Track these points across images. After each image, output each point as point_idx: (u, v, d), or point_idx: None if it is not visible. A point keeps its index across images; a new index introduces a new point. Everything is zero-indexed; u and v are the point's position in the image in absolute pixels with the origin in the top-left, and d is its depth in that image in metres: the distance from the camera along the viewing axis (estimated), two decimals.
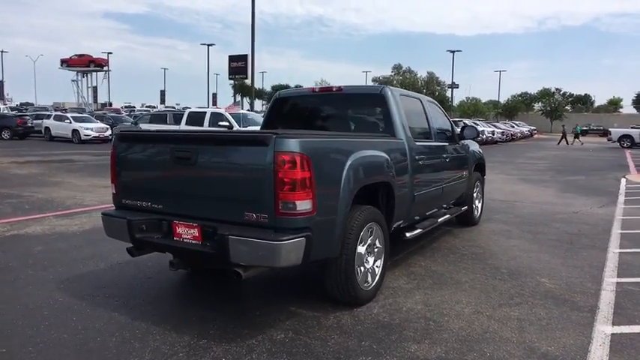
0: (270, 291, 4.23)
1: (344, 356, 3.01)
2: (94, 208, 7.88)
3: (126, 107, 52.10)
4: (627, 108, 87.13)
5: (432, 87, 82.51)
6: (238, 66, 42.86)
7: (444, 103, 79.74)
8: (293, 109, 5.38)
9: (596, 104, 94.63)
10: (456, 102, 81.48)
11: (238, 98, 72.43)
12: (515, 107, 72.01)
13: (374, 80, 79.88)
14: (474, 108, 68.14)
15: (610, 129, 35.12)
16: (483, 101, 76.20)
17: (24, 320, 3.52)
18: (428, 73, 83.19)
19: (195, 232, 3.40)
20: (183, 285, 4.46)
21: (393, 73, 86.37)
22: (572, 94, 77.66)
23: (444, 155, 5.45)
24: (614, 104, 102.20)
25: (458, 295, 4.08)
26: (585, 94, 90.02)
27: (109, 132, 24.64)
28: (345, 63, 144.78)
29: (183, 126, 14.24)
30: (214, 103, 49.74)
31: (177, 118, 17.35)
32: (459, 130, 6.22)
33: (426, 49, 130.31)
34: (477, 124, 35.13)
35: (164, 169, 3.59)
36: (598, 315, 3.68)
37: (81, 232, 6.28)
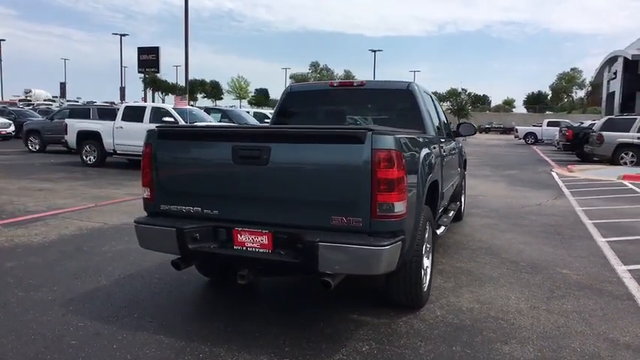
0: (310, 299, 3.94)
1: None
2: (45, 214, 6.95)
3: (21, 101, 46.89)
4: (520, 108, 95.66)
5: None
6: (148, 59, 40.71)
7: None
8: (307, 104, 5.08)
9: (493, 104, 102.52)
10: None
11: (152, 93, 68.74)
12: None
13: (292, 77, 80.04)
14: None
15: (517, 127, 38.16)
16: None
17: (53, 354, 2.94)
18: (345, 71, 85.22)
19: (264, 239, 3.05)
20: (211, 297, 4.03)
21: (310, 71, 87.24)
22: (475, 95, 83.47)
23: (453, 151, 5.50)
24: (509, 104, 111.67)
25: (502, 291, 4.10)
26: (484, 95, 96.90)
27: (12, 128, 22.09)
28: (258, 59, 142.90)
29: (119, 122, 13.09)
30: (122, 98, 46.65)
31: (102, 113, 15.94)
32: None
33: (338, 48, 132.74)
34: None
35: (222, 170, 3.17)
36: (639, 302, 3.89)
37: (49, 243, 5.48)
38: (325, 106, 4.99)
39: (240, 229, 3.10)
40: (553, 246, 5.66)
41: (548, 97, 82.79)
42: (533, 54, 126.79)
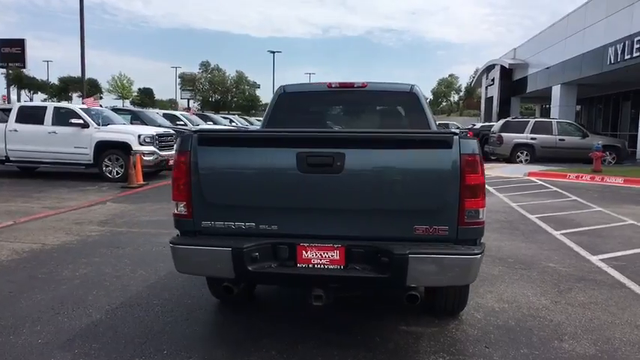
0: (343, 312, 3.71)
1: None
2: None
3: None
4: None
5: (242, 86, 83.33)
6: (12, 52, 36.30)
7: (255, 102, 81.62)
8: (303, 106, 4.79)
9: None
10: (267, 101, 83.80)
11: (18, 91, 61.29)
12: None
13: (181, 77, 76.60)
14: None
15: None
16: None
17: None
18: (237, 72, 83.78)
19: (334, 254, 2.78)
20: (235, 321, 3.60)
21: (200, 71, 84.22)
22: None
23: None
24: None
25: (516, 289, 4.24)
26: None
27: None
28: (138, 56, 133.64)
29: (12, 124, 11.35)
30: None
31: None
32: None
33: (225, 48, 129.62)
34: None
35: (284, 180, 2.81)
36: (633, 287, 4.28)
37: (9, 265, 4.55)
38: (323, 108, 4.77)
39: (306, 244, 2.79)
40: (522, 241, 6.04)
41: (428, 101, 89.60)
42: (410, 60, 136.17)
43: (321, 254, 2.79)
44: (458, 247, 2.70)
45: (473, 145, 2.71)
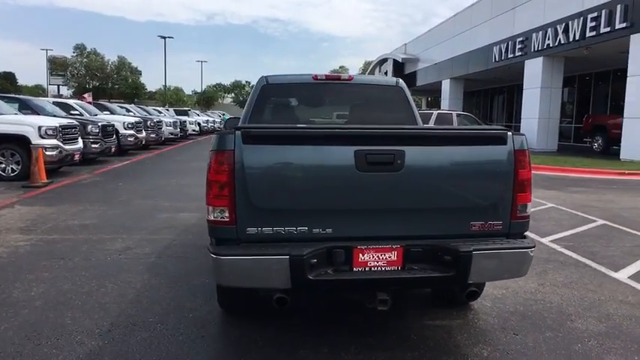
0: (359, 313, 3.61)
1: (580, 348, 3.03)
2: None
3: None
4: None
5: (124, 72, 77.42)
6: None
7: (140, 90, 76.40)
8: (287, 97, 4.55)
9: None
10: (151, 89, 79.00)
11: None
12: (212, 97, 75.26)
13: (51, 61, 68.83)
14: (176, 97, 67.74)
15: None
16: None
17: None
18: (119, 57, 77.65)
19: (392, 255, 2.67)
20: (260, 333, 3.31)
21: (75, 54, 76.46)
22: None
23: None
24: None
25: None
26: None
27: None
28: None
29: None
30: None
31: None
32: None
33: (99, 31, 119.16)
34: (199, 114, 35.46)
35: (340, 179, 2.62)
36: (594, 265, 4.77)
37: None
38: (308, 100, 4.57)
39: (363, 247, 2.65)
40: None
41: None
42: (296, 51, 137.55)
43: (378, 256, 2.66)
44: (513, 242, 2.75)
45: (523, 141, 2.77)
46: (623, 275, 4.51)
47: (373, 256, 2.66)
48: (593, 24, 14.95)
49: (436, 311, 3.57)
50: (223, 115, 42.92)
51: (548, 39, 17.49)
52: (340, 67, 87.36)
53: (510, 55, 20.39)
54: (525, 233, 2.89)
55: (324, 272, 2.61)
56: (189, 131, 28.19)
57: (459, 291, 2.82)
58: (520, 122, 20.80)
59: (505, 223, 2.77)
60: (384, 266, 2.67)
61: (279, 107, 4.52)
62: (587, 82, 22.74)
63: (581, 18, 15.53)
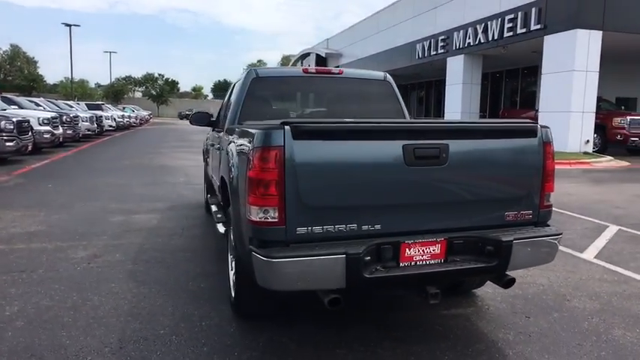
0: (374, 311, 3.62)
1: (588, 326, 3.24)
2: None
3: None
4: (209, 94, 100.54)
5: (18, 63, 70.39)
6: None
7: (38, 81, 69.89)
8: (278, 91, 4.38)
9: (182, 89, 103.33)
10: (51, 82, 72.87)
11: None
12: (121, 90, 70.82)
13: None
14: (81, 90, 62.82)
15: None
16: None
17: None
18: (12, 46, 70.42)
19: (436, 249, 2.69)
20: (287, 337, 3.17)
21: None
22: (167, 80, 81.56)
23: None
24: (197, 91, 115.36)
25: None
26: (172, 80, 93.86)
27: None
28: None
29: None
30: None
31: None
32: None
33: None
34: (110, 108, 33.28)
35: (389, 174, 2.58)
36: (562, 247, 5.16)
37: None
38: (299, 94, 4.45)
39: (410, 242, 2.63)
40: None
41: None
42: (208, 43, 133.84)
43: (423, 250, 2.67)
44: (544, 230, 2.89)
45: (549, 133, 2.91)
46: (589, 256, 4.93)
47: (418, 251, 2.66)
48: (511, 25, 16.15)
49: (445, 301, 3.65)
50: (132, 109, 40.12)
51: (469, 38, 18.61)
52: (258, 62, 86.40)
53: (433, 53, 21.43)
54: (548, 220, 3.05)
55: (375, 269, 2.57)
56: (106, 127, 26.37)
57: (495, 280, 2.91)
58: (443, 116, 21.95)
59: (535, 213, 2.90)
60: (428, 260, 2.68)
61: (270, 101, 4.36)
62: (498, 78, 24.55)
63: (499, 19, 16.70)
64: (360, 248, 2.46)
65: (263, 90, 4.25)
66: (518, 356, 2.88)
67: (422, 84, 32.23)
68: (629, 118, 14.50)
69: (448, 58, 20.15)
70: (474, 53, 19.03)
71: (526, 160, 2.84)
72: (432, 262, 2.69)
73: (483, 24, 17.58)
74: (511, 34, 16.21)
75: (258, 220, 2.48)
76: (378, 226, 2.61)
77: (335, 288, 2.51)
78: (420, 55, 22.54)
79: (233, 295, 3.39)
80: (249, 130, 2.67)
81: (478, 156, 2.75)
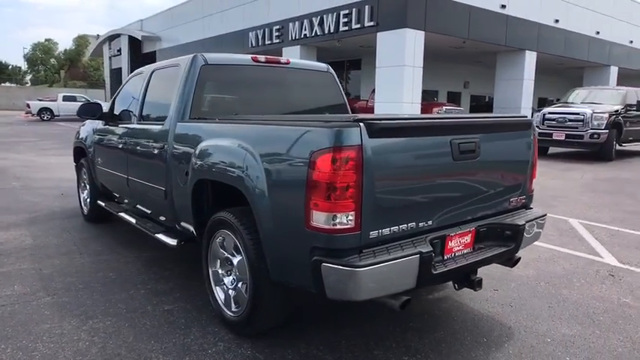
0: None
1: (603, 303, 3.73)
2: None
3: None
4: None
5: None
6: None
7: None
8: (228, 80, 3.88)
9: None
10: None
11: None
12: None
13: None
14: None
15: (28, 102, 34.18)
16: None
17: None
18: None
19: (467, 239, 2.82)
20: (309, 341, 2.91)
21: None
22: None
23: None
24: None
25: None
26: None
27: None
28: None
29: None
30: None
31: None
32: None
33: None
34: None
35: (441, 170, 2.61)
36: None
37: None
38: (248, 84, 4.03)
39: (452, 234, 2.71)
40: None
41: (24, 69, 76.32)
42: None
43: (459, 241, 2.77)
44: (535, 212, 3.24)
45: (534, 128, 3.28)
46: None
47: (456, 242, 2.75)
48: (346, 20, 17.25)
49: (444, 289, 3.78)
50: None
51: (305, 29, 19.27)
52: (46, 40, 74.63)
53: (268, 42, 21.57)
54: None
55: (437, 265, 2.58)
56: None
57: (505, 262, 3.15)
58: None
59: (526, 197, 3.25)
60: (462, 250, 2.80)
61: (222, 91, 3.88)
62: None
63: (335, 13, 17.68)
64: (428, 246, 2.44)
65: (214, 79, 3.77)
66: (517, 324, 3.21)
67: None
68: (444, 107, 17.01)
69: (284, 48, 20.54)
70: (309, 45, 19.80)
71: (525, 150, 3.16)
72: (465, 251, 2.81)
73: (319, 17, 18.39)
74: (346, 28, 17.33)
75: (329, 227, 2.24)
76: (430, 222, 2.61)
77: (406, 289, 2.44)
78: (254, 44, 22.47)
79: (232, 313, 3.00)
80: (307, 127, 2.39)
81: (496, 148, 2.95)
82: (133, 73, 4.96)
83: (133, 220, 4.35)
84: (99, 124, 5.24)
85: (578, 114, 10.89)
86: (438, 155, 2.60)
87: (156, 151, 3.77)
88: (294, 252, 2.44)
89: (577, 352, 2.87)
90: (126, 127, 4.47)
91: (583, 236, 5.41)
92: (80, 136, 5.78)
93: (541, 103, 22.16)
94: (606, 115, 11.06)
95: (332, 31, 17.96)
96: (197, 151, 3.17)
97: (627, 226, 5.90)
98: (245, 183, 2.66)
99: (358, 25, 16.85)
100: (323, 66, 4.51)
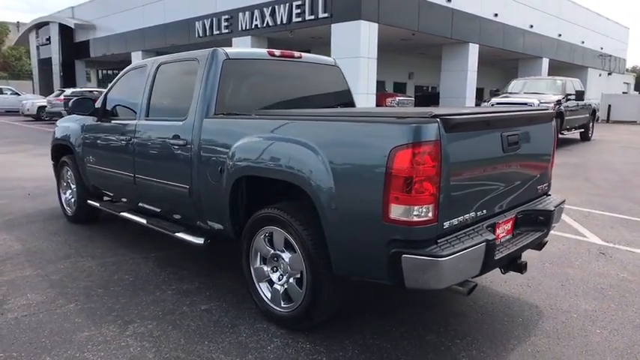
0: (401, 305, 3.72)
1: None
2: None
3: None
4: None
5: None
6: None
7: None
8: (248, 74, 3.80)
9: None
10: None
11: None
12: None
13: None
14: None
15: None
16: None
17: None
18: None
19: (508, 225, 3.01)
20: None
21: None
22: None
23: None
24: None
25: None
26: None
27: None
28: None
29: None
30: None
31: None
32: None
33: None
34: None
35: (495, 161, 2.79)
36: None
37: None
38: (264, 77, 3.99)
39: (500, 221, 2.89)
40: None
41: None
42: None
43: (504, 228, 2.96)
44: (557, 198, 3.49)
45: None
46: None
47: (502, 229, 2.94)
48: (299, 11, 17.17)
49: None
50: None
51: (256, 20, 18.97)
52: None
53: (217, 32, 21.02)
54: None
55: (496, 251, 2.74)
56: None
57: (536, 245, 3.38)
58: None
59: (548, 185, 3.50)
60: (505, 236, 2.98)
61: (239, 85, 3.81)
62: None
63: (287, 4, 17.54)
64: (491, 234, 2.60)
65: (235, 73, 3.70)
66: (541, 302, 3.47)
67: None
68: (397, 98, 17.46)
69: (234, 39, 20.11)
70: (260, 35, 19.53)
71: (549, 140, 3.39)
72: (508, 237, 3.00)
73: (271, 7, 18.17)
74: (300, 19, 17.27)
75: (409, 219, 2.33)
76: (485, 211, 2.77)
77: (473, 276, 2.58)
78: (201, 34, 21.82)
79: (282, 309, 3.02)
80: (386, 124, 2.46)
81: (530, 139, 3.15)
82: (128, 68, 4.73)
83: (143, 221, 4.20)
84: (87, 120, 4.96)
85: (526, 104, 11.60)
86: (493, 147, 2.75)
87: (176, 149, 3.65)
88: (367, 245, 2.50)
89: (604, 324, 3.16)
90: (128, 124, 4.27)
91: (563, 218, 5.85)
92: (62, 134, 5.44)
93: (478, 93, 23.26)
94: (552, 105, 11.87)
95: (284, 22, 17.83)
96: (238, 148, 3.13)
97: (596, 207, 6.44)
98: (308, 179, 2.66)
99: (312, 17, 16.85)
100: (331, 60, 4.54)
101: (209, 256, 4.32)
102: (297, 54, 4.20)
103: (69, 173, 5.42)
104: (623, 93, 36.48)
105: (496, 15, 21.42)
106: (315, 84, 4.41)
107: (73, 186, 5.38)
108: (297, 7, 17.23)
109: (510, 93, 14.09)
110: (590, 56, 31.40)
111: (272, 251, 3.08)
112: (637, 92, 43.60)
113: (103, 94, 4.90)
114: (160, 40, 24.83)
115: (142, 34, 26.08)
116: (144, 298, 3.49)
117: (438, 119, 2.34)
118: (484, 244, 2.50)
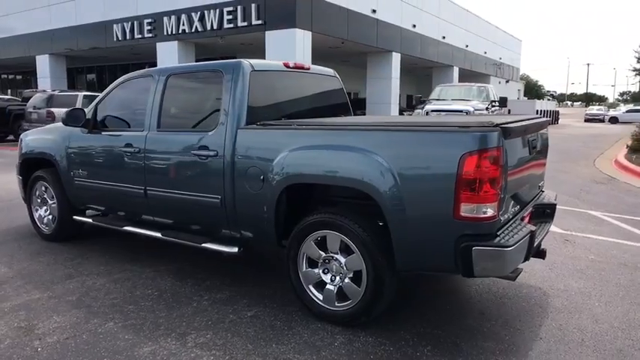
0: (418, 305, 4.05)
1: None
2: None
3: None
4: None
5: None
6: None
7: None
8: (270, 85, 3.92)
9: None
10: None
11: None
12: None
13: None
14: None
15: None
16: None
17: None
18: None
19: (527, 218, 3.48)
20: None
21: None
22: None
23: None
24: None
25: None
26: None
27: None
28: None
29: None
30: None
31: None
32: None
33: None
34: None
35: (524, 162, 3.25)
36: None
37: None
38: (281, 88, 4.12)
39: (525, 214, 3.34)
40: None
41: None
42: None
43: (526, 220, 3.42)
44: (550, 193, 4.04)
45: None
46: None
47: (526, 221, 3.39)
48: (231, 17, 17.04)
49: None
50: None
51: (183, 25, 18.49)
52: None
53: (138, 36, 20.14)
54: None
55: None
56: None
57: None
58: None
59: (543, 182, 4.04)
60: None
61: (265, 95, 3.91)
62: None
63: (218, 10, 17.34)
64: (531, 225, 3.02)
65: (259, 85, 3.80)
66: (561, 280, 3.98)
67: (94, 68, 29.55)
68: None
69: (158, 44, 19.44)
70: (187, 40, 19.07)
71: (547, 143, 3.93)
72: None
73: (199, 12, 17.84)
74: (232, 25, 17.15)
75: (477, 216, 2.67)
76: (518, 207, 3.19)
77: (520, 263, 2.97)
78: (120, 37, 20.76)
79: (338, 307, 3.21)
80: (455, 133, 2.76)
81: (539, 143, 3.64)
82: (125, 78, 4.56)
83: (157, 234, 4.13)
84: (73, 131, 4.71)
85: (461, 111, 12.61)
86: (525, 150, 3.21)
87: (204, 159, 3.68)
88: (437, 241, 2.79)
89: (598, 298, 3.73)
90: (135, 136, 4.17)
91: None
92: (37, 147, 5.10)
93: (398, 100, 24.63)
94: (485, 112, 13.03)
95: (215, 27, 17.63)
96: (288, 157, 3.25)
97: None
98: (376, 185, 2.89)
99: (245, 23, 16.85)
100: (330, 71, 4.79)
101: (220, 266, 4.33)
102: (306, 65, 4.40)
103: (45, 189, 5.09)
104: (518, 99, 40.52)
105: (414, 26, 22.88)
106: (321, 93, 4.64)
107: (50, 202, 5.06)
108: (229, 12, 17.13)
109: (438, 100, 15.13)
110: (492, 65, 34.56)
111: (324, 254, 3.25)
112: (526, 97, 48.64)
113: (92, 105, 4.68)
114: (69, 43, 23.21)
115: (51, 35, 24.19)
116: (183, 310, 3.48)
117: (500, 128, 2.70)
118: (529, 234, 2.90)
